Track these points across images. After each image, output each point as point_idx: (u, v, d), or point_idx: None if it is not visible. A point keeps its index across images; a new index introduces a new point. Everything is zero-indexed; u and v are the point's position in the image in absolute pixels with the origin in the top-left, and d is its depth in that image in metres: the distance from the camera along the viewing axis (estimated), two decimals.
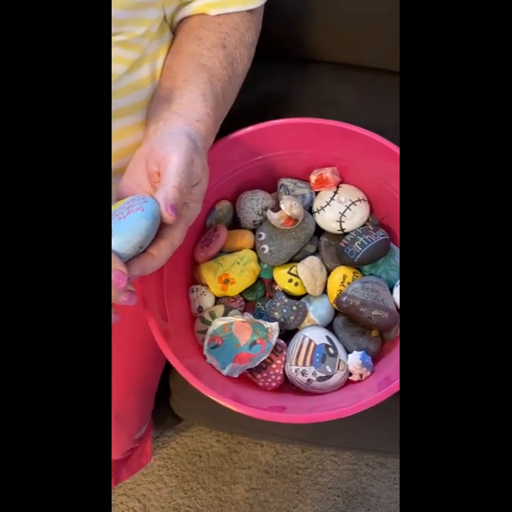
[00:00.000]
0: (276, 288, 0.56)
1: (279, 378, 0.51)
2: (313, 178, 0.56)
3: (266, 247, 0.54)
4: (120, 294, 0.38)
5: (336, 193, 0.56)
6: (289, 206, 0.52)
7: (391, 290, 0.53)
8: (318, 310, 0.54)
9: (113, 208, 0.40)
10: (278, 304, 0.53)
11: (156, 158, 0.40)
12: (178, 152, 0.40)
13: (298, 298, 0.55)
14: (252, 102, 0.67)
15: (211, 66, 0.48)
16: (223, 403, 0.44)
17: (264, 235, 0.55)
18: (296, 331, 0.53)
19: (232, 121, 0.53)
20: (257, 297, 0.56)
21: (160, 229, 0.40)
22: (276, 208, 0.55)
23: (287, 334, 0.53)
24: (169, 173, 0.39)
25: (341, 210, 0.55)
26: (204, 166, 0.43)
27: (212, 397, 0.44)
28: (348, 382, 0.51)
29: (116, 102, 0.46)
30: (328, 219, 0.55)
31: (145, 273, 0.39)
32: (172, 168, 0.39)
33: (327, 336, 0.51)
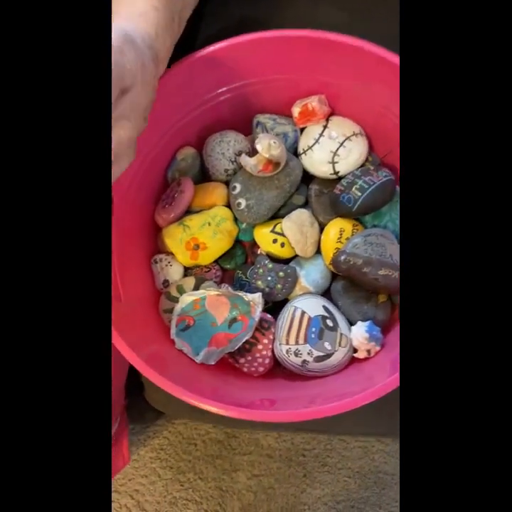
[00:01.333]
0: (258, 251, 0.50)
1: (267, 361, 0.44)
2: (296, 110, 0.49)
3: (242, 201, 0.47)
4: None
5: (325, 127, 0.48)
6: (267, 146, 0.45)
7: None
8: (311, 274, 0.47)
9: None
10: (261, 270, 0.47)
11: None
12: None
13: (286, 262, 0.49)
14: (217, 29, 0.58)
15: None
16: (195, 402, 0.35)
17: (239, 187, 0.48)
18: (285, 302, 0.47)
19: None
20: (236, 264, 0.50)
21: None
22: (253, 152, 0.48)
23: (275, 307, 0.47)
24: None
25: (333, 149, 0.47)
26: (144, 64, 0.32)
27: (179, 397, 0.35)
28: (353, 361, 0.45)
29: None
30: (317, 160, 0.48)
31: None
32: None
33: (324, 306, 0.45)
